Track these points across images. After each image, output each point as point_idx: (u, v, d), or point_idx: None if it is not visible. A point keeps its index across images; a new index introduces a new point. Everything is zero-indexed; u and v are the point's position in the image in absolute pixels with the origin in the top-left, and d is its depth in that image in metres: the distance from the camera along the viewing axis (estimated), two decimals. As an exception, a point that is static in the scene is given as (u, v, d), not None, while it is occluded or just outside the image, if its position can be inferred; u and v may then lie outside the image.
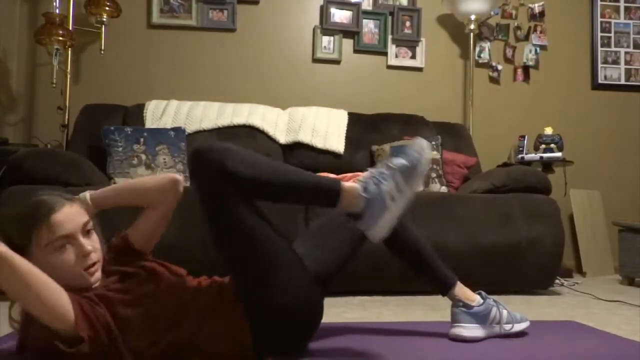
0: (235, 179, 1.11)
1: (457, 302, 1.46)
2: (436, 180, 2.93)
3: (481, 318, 1.47)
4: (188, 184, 1.35)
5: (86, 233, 1.13)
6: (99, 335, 1.05)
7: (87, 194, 1.23)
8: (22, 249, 1.02)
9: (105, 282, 1.16)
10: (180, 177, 1.28)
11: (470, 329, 1.46)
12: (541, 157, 3.35)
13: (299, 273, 1.22)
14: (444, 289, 1.48)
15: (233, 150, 1.14)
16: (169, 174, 1.32)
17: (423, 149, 1.19)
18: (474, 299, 1.48)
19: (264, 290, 1.17)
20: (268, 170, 1.15)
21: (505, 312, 1.51)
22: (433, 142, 3.00)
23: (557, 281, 2.83)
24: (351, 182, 1.19)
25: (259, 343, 1.18)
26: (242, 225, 1.14)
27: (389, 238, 1.25)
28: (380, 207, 1.15)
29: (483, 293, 1.51)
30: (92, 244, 1.13)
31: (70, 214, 1.10)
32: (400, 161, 1.17)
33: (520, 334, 1.53)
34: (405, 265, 1.51)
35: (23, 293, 0.97)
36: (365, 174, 1.20)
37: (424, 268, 1.49)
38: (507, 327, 1.50)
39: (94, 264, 1.12)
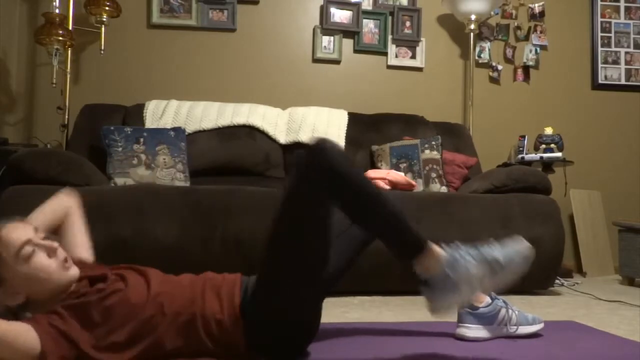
0: (344, 176, 1.14)
1: None
2: (436, 180, 2.93)
3: (487, 319, 1.47)
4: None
5: (44, 239, 1.16)
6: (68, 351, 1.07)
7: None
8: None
9: (77, 287, 1.18)
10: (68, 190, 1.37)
11: (473, 330, 1.46)
12: (541, 157, 3.35)
13: (321, 292, 1.25)
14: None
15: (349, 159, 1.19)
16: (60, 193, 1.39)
17: (526, 257, 1.17)
18: (482, 300, 1.47)
19: (285, 301, 1.18)
20: (372, 189, 1.16)
21: (514, 313, 1.50)
22: (434, 142, 3.01)
23: (557, 281, 2.83)
24: (438, 248, 1.17)
25: (253, 345, 1.18)
26: (311, 225, 1.15)
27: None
28: (452, 286, 1.14)
29: (493, 294, 1.50)
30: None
31: (16, 226, 1.14)
32: (495, 255, 1.15)
33: (531, 335, 1.52)
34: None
35: None
36: (452, 246, 1.17)
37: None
38: (513, 328, 1.49)
39: (65, 259, 1.17)
